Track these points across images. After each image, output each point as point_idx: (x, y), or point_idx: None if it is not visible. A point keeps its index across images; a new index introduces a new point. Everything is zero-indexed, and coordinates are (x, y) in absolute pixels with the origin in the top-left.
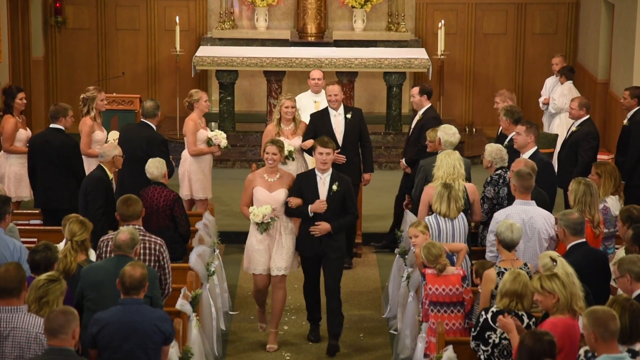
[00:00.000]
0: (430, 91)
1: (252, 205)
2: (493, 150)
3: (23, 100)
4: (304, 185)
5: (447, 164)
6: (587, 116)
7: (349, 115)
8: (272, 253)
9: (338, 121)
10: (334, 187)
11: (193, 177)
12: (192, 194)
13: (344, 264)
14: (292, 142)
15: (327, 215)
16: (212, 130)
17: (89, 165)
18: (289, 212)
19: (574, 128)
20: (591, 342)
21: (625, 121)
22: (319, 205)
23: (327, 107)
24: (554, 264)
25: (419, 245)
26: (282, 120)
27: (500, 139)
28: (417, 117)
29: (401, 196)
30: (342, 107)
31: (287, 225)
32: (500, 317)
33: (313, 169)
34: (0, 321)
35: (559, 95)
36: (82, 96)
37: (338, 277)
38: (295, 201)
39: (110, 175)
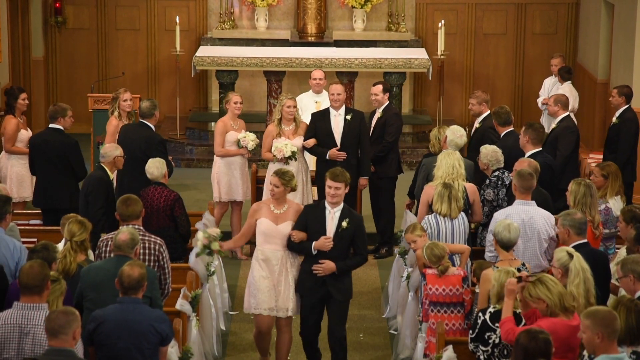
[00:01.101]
0: (390, 88)
1: (255, 236)
2: (488, 153)
3: (25, 100)
4: (310, 218)
5: (447, 164)
6: (566, 113)
7: (348, 117)
8: (279, 292)
9: (337, 121)
10: (344, 224)
11: (221, 179)
12: (220, 197)
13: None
14: (293, 142)
15: (332, 254)
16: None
17: None
18: (291, 246)
19: (553, 125)
20: (595, 342)
21: (614, 119)
22: (324, 242)
23: (328, 107)
24: (571, 258)
25: (419, 247)
26: (283, 120)
27: (474, 140)
28: (377, 115)
29: (375, 200)
30: (343, 107)
31: (294, 261)
32: (511, 279)
33: (323, 202)
34: (22, 318)
35: (573, 100)
36: (112, 96)
37: (343, 321)
38: (299, 235)
39: (111, 176)
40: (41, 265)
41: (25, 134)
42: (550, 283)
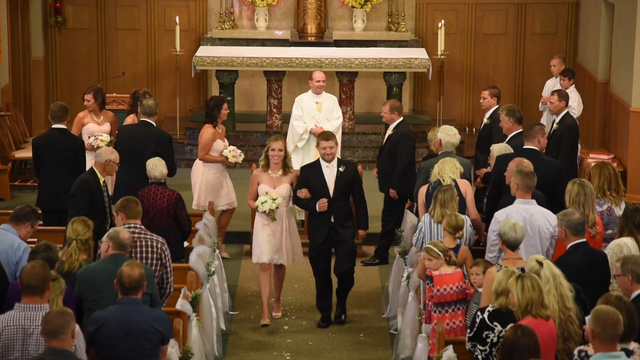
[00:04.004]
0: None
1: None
2: (501, 150)
3: (226, 110)
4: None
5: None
6: (401, 118)
7: (341, 169)
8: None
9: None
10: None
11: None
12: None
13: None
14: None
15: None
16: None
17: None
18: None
19: (390, 131)
20: (590, 338)
21: (485, 120)
22: (322, 205)
23: (319, 159)
24: (540, 266)
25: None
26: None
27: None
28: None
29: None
30: (336, 160)
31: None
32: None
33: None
34: (24, 319)
35: (577, 104)
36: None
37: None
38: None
39: (102, 179)
40: (42, 265)
41: (221, 144)
42: (528, 285)
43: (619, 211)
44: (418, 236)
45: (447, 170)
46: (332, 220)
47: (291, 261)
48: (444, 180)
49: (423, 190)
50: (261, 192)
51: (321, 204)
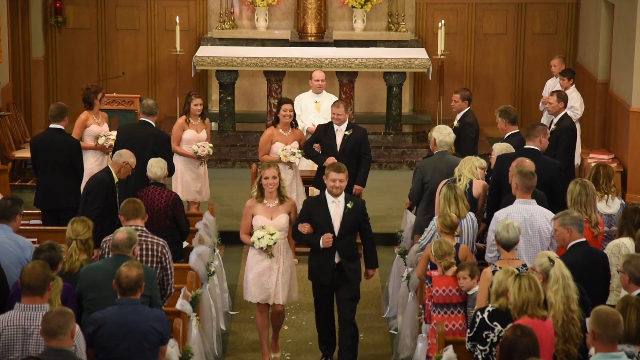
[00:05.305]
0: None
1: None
2: (503, 149)
3: (291, 112)
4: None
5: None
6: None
7: (348, 132)
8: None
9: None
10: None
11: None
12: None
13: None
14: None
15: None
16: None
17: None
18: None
19: (347, 132)
20: (589, 339)
21: (455, 122)
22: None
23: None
24: (552, 264)
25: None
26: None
27: None
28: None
29: None
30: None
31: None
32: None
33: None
34: (25, 319)
35: (580, 105)
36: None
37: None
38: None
39: (116, 179)
40: (43, 265)
41: (281, 147)
42: (525, 285)
43: (605, 208)
44: (429, 238)
45: (465, 170)
46: (337, 259)
47: (286, 299)
48: (460, 180)
49: (440, 186)
50: (257, 225)
51: (326, 239)
